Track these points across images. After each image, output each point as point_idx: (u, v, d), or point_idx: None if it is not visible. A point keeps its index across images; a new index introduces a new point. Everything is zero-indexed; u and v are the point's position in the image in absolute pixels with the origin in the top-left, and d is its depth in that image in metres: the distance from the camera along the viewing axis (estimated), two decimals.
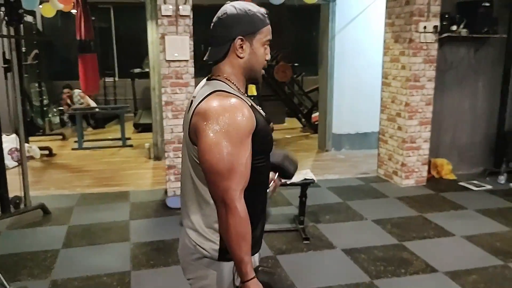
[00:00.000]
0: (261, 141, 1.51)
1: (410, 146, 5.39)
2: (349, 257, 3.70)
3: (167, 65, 4.88)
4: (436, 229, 4.24)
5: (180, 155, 5.01)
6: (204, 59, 1.62)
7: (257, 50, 1.56)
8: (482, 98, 5.83)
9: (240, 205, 1.44)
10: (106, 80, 10.51)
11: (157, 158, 6.81)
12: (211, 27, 1.58)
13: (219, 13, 1.55)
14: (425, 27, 5.09)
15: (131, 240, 4.05)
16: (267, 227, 4.51)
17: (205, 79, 1.66)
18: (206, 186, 1.52)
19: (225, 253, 1.54)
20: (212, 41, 1.58)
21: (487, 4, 5.30)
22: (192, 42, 4.89)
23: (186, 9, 4.75)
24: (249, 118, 1.45)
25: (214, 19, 1.57)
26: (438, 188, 5.39)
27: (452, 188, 5.39)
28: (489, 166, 5.92)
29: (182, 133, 1.74)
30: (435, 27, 5.13)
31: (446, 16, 5.25)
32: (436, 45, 5.21)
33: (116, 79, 10.84)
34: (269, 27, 1.57)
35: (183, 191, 1.66)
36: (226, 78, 1.56)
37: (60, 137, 8.35)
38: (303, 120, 9.26)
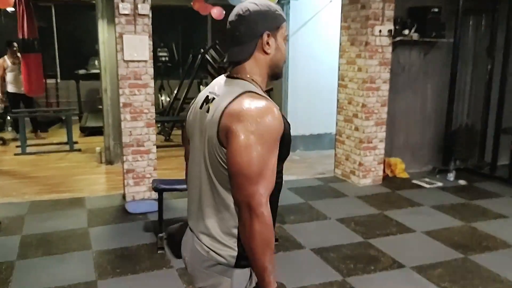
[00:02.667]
0: (285, 146, 1.48)
1: (367, 146, 5.54)
2: (318, 256, 3.73)
3: (125, 66, 4.71)
4: (398, 226, 4.37)
5: (139, 158, 4.86)
6: (224, 60, 1.57)
7: (281, 45, 1.54)
8: (431, 99, 6.11)
9: (266, 211, 1.40)
10: (48, 82, 9.99)
11: (110, 162, 6.56)
12: (230, 26, 1.52)
13: (239, 11, 1.50)
14: (380, 31, 5.26)
15: (93, 248, 3.85)
16: None
17: (223, 76, 1.60)
18: (228, 189, 1.46)
19: (242, 259, 1.49)
20: (234, 41, 1.52)
21: (436, 10, 5.57)
22: (151, 42, 4.76)
23: (145, 8, 4.62)
24: (280, 121, 1.42)
25: (233, 18, 1.51)
26: (393, 186, 5.57)
27: (406, 186, 5.60)
28: (438, 164, 6.20)
29: (183, 134, 1.67)
30: (390, 30, 5.31)
31: (399, 20, 5.46)
32: (390, 48, 5.40)
33: (59, 80, 10.34)
34: (285, 22, 1.57)
35: (194, 195, 1.58)
36: (251, 79, 1.51)
37: (0, 142, 7.86)
38: None
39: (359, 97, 5.49)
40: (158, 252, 3.77)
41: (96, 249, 3.84)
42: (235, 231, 1.49)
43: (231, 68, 1.56)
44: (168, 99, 9.55)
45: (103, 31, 6.20)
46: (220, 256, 1.50)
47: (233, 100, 1.42)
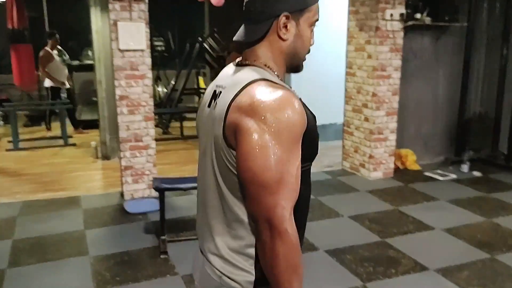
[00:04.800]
0: (310, 144, 1.18)
1: (378, 137, 5.26)
2: (334, 259, 3.46)
3: (120, 55, 4.39)
4: (415, 223, 4.11)
5: (138, 154, 4.56)
6: (234, 39, 1.27)
7: (303, 32, 1.24)
8: (443, 87, 5.82)
9: (291, 228, 1.11)
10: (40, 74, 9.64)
11: (106, 157, 6.26)
12: (247, 0, 1.24)
13: None
14: (391, 15, 4.95)
15: (90, 254, 3.57)
16: None
17: (232, 65, 1.31)
18: (241, 200, 1.18)
19: (261, 285, 1.22)
20: (248, 18, 1.25)
21: None
22: (148, 30, 4.44)
23: None
24: (302, 115, 1.12)
25: None
26: (406, 179, 5.30)
27: (419, 179, 5.33)
28: (450, 155, 5.93)
29: (201, 134, 1.37)
30: (401, 14, 5.00)
31: (410, 3, 5.15)
32: (402, 34, 5.10)
33: None
34: (318, 4, 1.25)
35: (203, 206, 1.30)
36: (264, 65, 1.23)
37: None
38: None
39: (369, 86, 5.19)
40: (161, 256, 3.50)
41: (94, 254, 3.56)
42: (252, 251, 1.22)
43: (242, 53, 1.28)
44: (165, 90, 9.24)
45: (96, 19, 5.87)
46: (235, 281, 1.23)
47: (241, 90, 1.14)
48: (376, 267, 3.33)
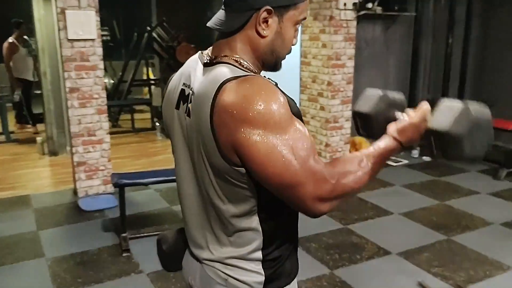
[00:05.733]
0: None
1: (334, 126, 5.33)
2: (300, 248, 3.46)
3: (69, 45, 4.17)
4: (374, 209, 4.21)
5: (91, 149, 4.36)
6: (208, 24, 1.17)
7: (285, 30, 1.14)
8: (393, 75, 5.98)
9: (333, 177, 1.05)
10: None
11: (54, 153, 5.96)
12: None
13: None
14: (345, 4, 5.01)
15: (47, 255, 3.38)
16: None
17: (197, 58, 1.20)
18: (248, 213, 1.14)
19: (269, 283, 1.20)
20: (227, 3, 1.14)
21: None
22: (98, 18, 4.25)
23: None
24: (283, 96, 1.05)
25: None
26: None
27: None
28: None
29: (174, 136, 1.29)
30: (354, 4, 5.07)
31: None
32: (355, 23, 5.17)
33: None
34: (307, 2, 1.17)
35: (193, 218, 1.25)
36: (236, 61, 1.12)
37: None
38: None
39: (324, 75, 5.24)
40: (123, 254, 3.37)
41: (51, 256, 3.37)
42: (259, 254, 1.18)
43: (213, 44, 1.19)
44: (112, 81, 8.91)
45: (38, 7, 5.54)
46: (244, 283, 1.19)
47: (215, 100, 1.03)
48: (342, 254, 3.39)
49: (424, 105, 1.21)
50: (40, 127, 6.86)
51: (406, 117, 1.23)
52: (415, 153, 5.78)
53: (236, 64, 1.12)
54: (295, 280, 1.29)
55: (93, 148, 4.45)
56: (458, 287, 2.95)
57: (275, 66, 1.21)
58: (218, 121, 1.03)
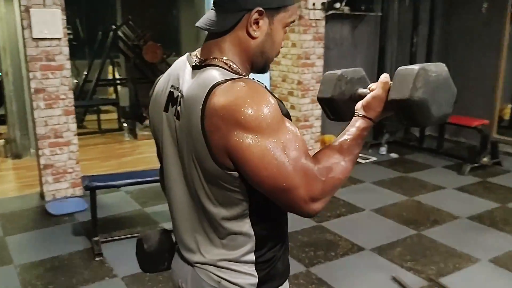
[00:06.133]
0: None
1: (304, 124, 5.38)
2: None
3: (34, 45, 4.04)
4: (346, 206, 4.27)
5: (59, 151, 4.25)
6: (197, 24, 1.16)
7: (275, 32, 1.14)
8: None
9: (323, 174, 1.07)
10: None
11: (17, 156, 5.77)
12: None
13: None
14: (314, 4, 5.06)
15: (15, 262, 3.27)
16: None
17: (185, 60, 1.19)
18: (241, 216, 1.14)
19: (263, 283, 1.20)
20: (218, 3, 1.13)
21: None
22: (65, 17, 4.13)
23: None
24: (273, 99, 1.05)
25: None
26: None
27: None
28: (369, 139, 6.24)
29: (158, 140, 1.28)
30: (323, 4, 5.13)
31: None
32: (323, 22, 5.23)
33: None
34: (296, 5, 1.19)
35: (184, 222, 1.24)
36: (225, 63, 1.12)
37: None
38: None
39: (294, 74, 5.28)
40: (96, 259, 3.30)
41: (19, 262, 3.26)
42: (251, 256, 1.18)
43: (203, 45, 1.17)
44: (75, 81, 8.69)
45: None
46: (237, 285, 1.18)
47: (205, 104, 1.03)
48: (317, 251, 3.42)
49: (383, 76, 1.18)
50: (1, 129, 6.62)
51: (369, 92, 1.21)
52: (383, 150, 5.90)
53: (226, 66, 1.11)
54: (287, 281, 1.29)
55: (61, 150, 4.33)
56: (430, 280, 3.04)
57: (263, 68, 1.22)
58: (209, 125, 1.02)
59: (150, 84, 5.71)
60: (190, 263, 1.24)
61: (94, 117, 7.52)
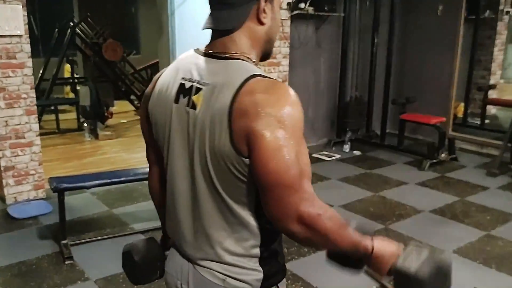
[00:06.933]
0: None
1: None
2: None
3: None
4: None
5: (20, 153, 4.11)
6: (207, 26, 1.17)
7: (277, 15, 1.21)
8: (324, 73, 6.20)
9: (321, 211, 1.05)
10: None
11: None
12: None
13: None
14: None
15: None
16: (150, 225, 3.98)
17: (194, 53, 1.21)
18: (244, 205, 1.15)
19: (267, 279, 1.22)
20: (222, 1, 1.15)
21: None
22: (26, 13, 3.98)
23: None
24: (300, 105, 1.10)
25: None
26: None
27: None
28: (332, 137, 6.38)
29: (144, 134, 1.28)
30: (289, 4, 5.19)
31: None
32: (289, 22, 5.29)
33: None
34: None
35: (186, 217, 1.23)
36: (247, 57, 1.15)
37: None
38: (136, 103, 8.64)
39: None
40: (66, 262, 3.20)
41: None
42: (257, 251, 1.20)
43: (211, 40, 1.19)
44: None
45: None
46: (243, 281, 1.19)
47: (239, 90, 1.06)
48: (290, 248, 3.47)
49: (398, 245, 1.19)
50: None
51: None
52: (346, 147, 6.04)
53: (249, 60, 1.15)
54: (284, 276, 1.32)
55: (22, 151, 4.17)
56: None
57: (269, 54, 1.26)
58: (239, 108, 1.05)
59: (110, 83, 5.73)
60: (192, 261, 1.24)
61: (51, 117, 7.28)
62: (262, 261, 1.21)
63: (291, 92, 1.09)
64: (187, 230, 1.24)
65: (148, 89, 1.31)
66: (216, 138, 1.08)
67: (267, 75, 1.12)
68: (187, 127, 1.15)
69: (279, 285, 1.27)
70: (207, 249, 1.20)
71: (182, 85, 1.17)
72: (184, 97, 1.16)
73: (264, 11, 1.15)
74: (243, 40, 1.16)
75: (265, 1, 1.14)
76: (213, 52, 1.17)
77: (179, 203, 1.24)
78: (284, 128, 1.03)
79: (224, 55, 1.14)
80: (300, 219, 1.05)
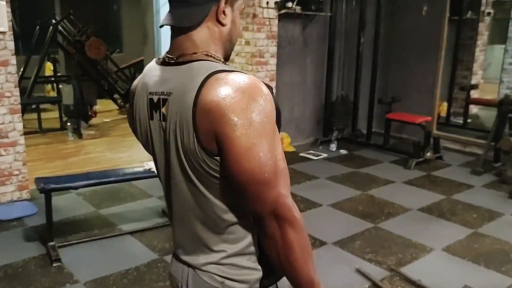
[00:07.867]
0: (278, 123, 1.12)
1: None
2: None
3: None
4: (304, 202, 4.35)
5: (4, 153, 4.03)
6: (165, 23, 1.14)
7: (237, 19, 1.19)
8: (311, 72, 6.22)
9: (297, 213, 1.08)
10: None
11: None
12: None
13: None
14: (267, 3, 5.10)
15: None
16: (139, 226, 3.96)
17: (156, 65, 1.19)
18: (230, 203, 1.13)
19: (265, 278, 1.20)
20: (181, 0, 1.13)
21: None
22: (9, 9, 3.90)
23: None
24: (271, 98, 1.06)
25: None
26: None
27: (296, 159, 5.65)
28: (319, 136, 6.40)
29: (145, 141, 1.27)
30: (276, 3, 5.19)
31: None
32: (277, 21, 5.29)
33: None
34: None
35: (182, 223, 1.22)
36: (206, 55, 1.12)
37: None
38: (120, 101, 8.54)
39: (248, 72, 5.29)
40: (54, 265, 3.14)
41: None
42: (253, 248, 1.18)
43: (171, 40, 1.17)
44: None
45: None
46: (242, 282, 1.18)
47: (200, 90, 1.03)
48: None
49: None
50: None
51: None
52: (333, 147, 6.06)
53: (210, 58, 1.12)
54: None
55: (6, 151, 4.08)
56: (391, 270, 3.17)
57: (229, 56, 1.25)
58: (201, 109, 1.02)
59: (93, 82, 5.64)
60: (191, 266, 1.22)
61: (33, 116, 7.12)
62: (261, 259, 1.19)
63: (257, 84, 1.05)
64: (184, 237, 1.24)
65: (130, 100, 1.30)
66: (185, 141, 1.07)
67: (232, 68, 1.09)
68: (164, 141, 1.15)
69: (278, 283, 1.25)
70: (204, 253, 1.19)
71: (151, 100, 1.16)
72: (155, 112, 1.15)
73: (224, 13, 1.14)
74: (202, 38, 1.13)
75: (225, 3, 1.14)
76: (173, 59, 1.14)
77: (173, 211, 1.24)
78: (252, 124, 1.01)
79: (184, 60, 1.12)
80: (276, 214, 1.06)
